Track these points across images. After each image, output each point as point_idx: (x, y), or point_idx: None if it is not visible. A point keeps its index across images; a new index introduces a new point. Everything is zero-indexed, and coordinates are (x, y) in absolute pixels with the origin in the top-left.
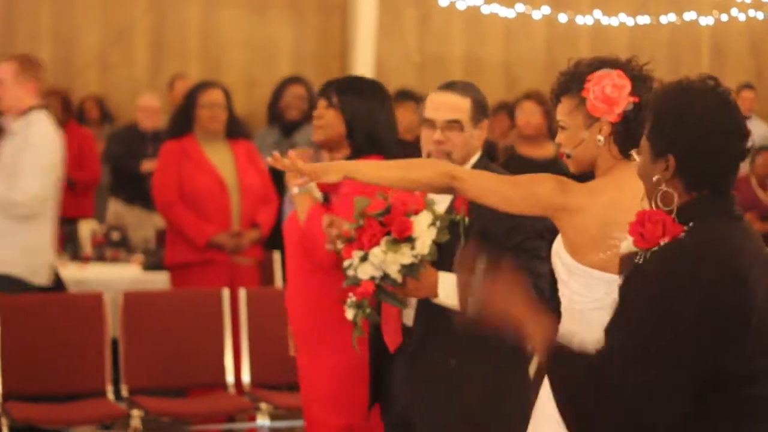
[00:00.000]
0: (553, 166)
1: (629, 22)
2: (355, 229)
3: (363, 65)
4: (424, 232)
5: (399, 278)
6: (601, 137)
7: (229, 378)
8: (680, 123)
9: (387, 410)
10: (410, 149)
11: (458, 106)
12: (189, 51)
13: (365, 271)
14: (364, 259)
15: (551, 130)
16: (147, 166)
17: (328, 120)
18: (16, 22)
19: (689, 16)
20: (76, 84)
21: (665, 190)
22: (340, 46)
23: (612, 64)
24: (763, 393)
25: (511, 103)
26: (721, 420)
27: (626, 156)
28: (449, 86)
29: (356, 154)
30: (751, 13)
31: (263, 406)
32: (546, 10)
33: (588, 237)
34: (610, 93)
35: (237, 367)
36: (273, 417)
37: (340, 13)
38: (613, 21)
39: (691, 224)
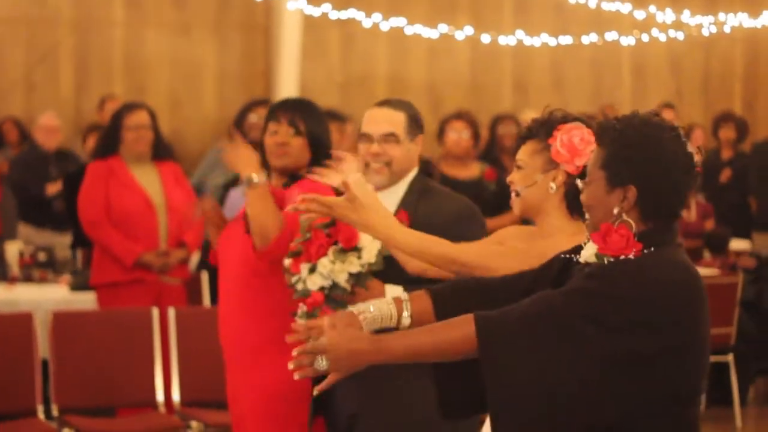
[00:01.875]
0: (477, 186)
1: (551, 42)
2: (302, 243)
3: (287, 85)
4: (371, 242)
5: (348, 287)
6: (553, 185)
7: (159, 396)
8: (644, 155)
9: (331, 423)
10: None
11: (393, 119)
12: (113, 71)
13: (314, 282)
14: (312, 270)
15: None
16: (52, 188)
17: (297, 147)
18: None
19: (611, 36)
20: (0, 105)
21: (625, 220)
22: (264, 66)
23: (585, 122)
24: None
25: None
26: None
27: (573, 214)
28: (384, 102)
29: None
30: (671, 33)
31: (194, 424)
32: (469, 30)
33: None
34: (578, 144)
35: (167, 385)
36: None
37: (264, 33)
38: (536, 41)
39: (648, 250)
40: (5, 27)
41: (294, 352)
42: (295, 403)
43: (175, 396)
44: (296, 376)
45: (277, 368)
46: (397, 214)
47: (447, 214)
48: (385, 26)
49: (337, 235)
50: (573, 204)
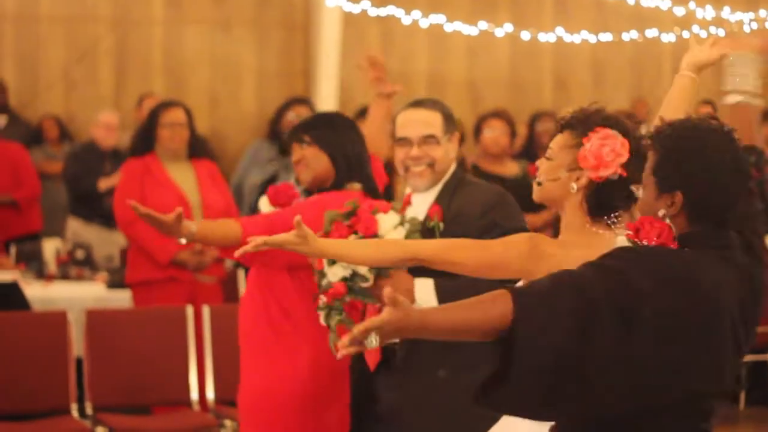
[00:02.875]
0: (522, 182)
1: (591, 39)
2: (323, 234)
3: (326, 83)
4: (391, 230)
5: (369, 276)
6: (575, 185)
7: (194, 395)
8: (692, 161)
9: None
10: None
11: (430, 120)
12: (153, 69)
13: (335, 273)
14: (333, 262)
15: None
16: (105, 183)
17: (309, 158)
18: None
19: (651, 33)
20: (40, 103)
21: (668, 224)
22: (303, 64)
23: (625, 131)
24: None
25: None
26: None
27: (593, 218)
28: (418, 103)
29: (339, 181)
30: (712, 29)
31: (227, 423)
32: (509, 27)
33: None
34: (606, 155)
35: (201, 384)
36: None
37: (303, 31)
38: (576, 38)
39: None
40: (45, 25)
41: (352, 334)
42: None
43: (210, 394)
44: (339, 355)
45: (274, 369)
46: (430, 209)
47: (478, 203)
48: (424, 23)
49: (357, 224)
50: (594, 209)
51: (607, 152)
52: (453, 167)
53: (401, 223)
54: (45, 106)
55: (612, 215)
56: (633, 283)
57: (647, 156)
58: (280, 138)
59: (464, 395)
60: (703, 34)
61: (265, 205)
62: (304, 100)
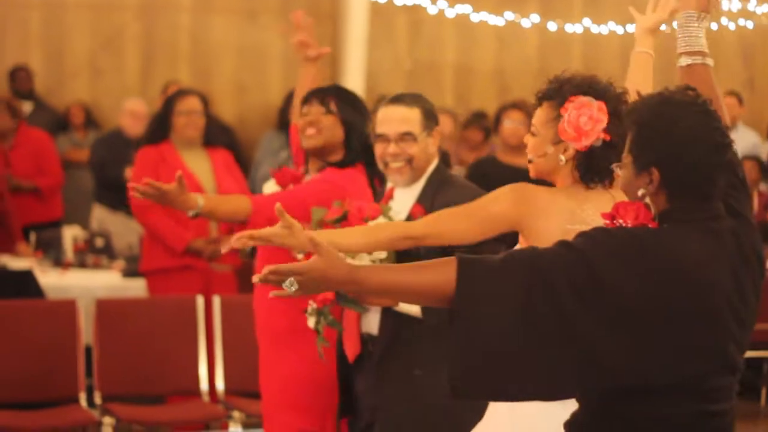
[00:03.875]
0: None
1: (619, 30)
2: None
3: (354, 72)
4: None
5: None
6: (563, 157)
7: (203, 385)
8: (664, 137)
9: (354, 421)
10: None
11: (408, 117)
12: (179, 57)
13: None
14: None
15: None
16: (130, 173)
17: (327, 125)
18: (5, 29)
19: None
20: (66, 90)
21: (646, 203)
22: (330, 53)
23: (600, 92)
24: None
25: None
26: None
27: (587, 183)
28: (397, 99)
29: (350, 160)
30: (741, 21)
31: (236, 414)
32: (535, 18)
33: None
34: (584, 125)
35: (211, 374)
36: (245, 425)
37: (331, 19)
38: (603, 29)
39: (664, 226)
40: (71, 12)
41: (265, 270)
42: (317, 390)
43: (219, 385)
44: (272, 294)
45: (298, 356)
46: (412, 208)
47: (461, 204)
48: (450, 13)
49: None
50: (586, 174)
51: (585, 121)
52: (435, 163)
53: None
54: (71, 93)
55: (606, 176)
56: (595, 263)
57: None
58: (288, 127)
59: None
60: (732, 26)
61: (272, 187)
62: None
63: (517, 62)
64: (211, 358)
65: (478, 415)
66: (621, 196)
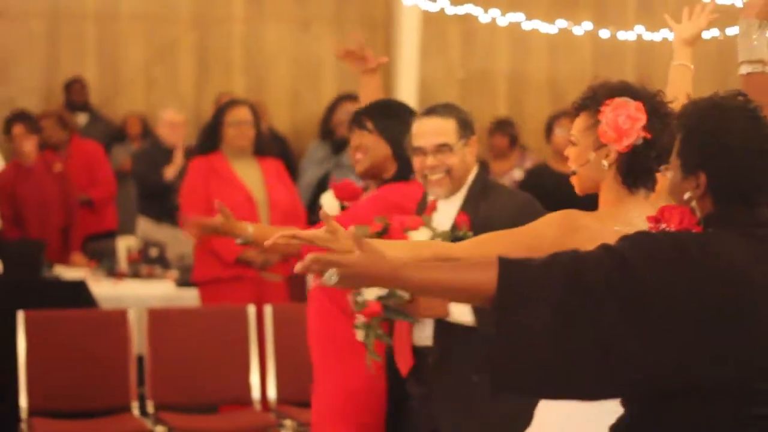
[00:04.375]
0: None
1: (672, 37)
2: None
3: (407, 81)
4: None
5: (405, 295)
6: (605, 162)
7: (255, 395)
8: (712, 141)
9: None
10: None
11: (443, 129)
12: (233, 67)
13: (370, 292)
14: None
15: None
16: (171, 172)
17: (369, 145)
18: (60, 41)
19: (732, 30)
20: (121, 101)
21: (692, 207)
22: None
23: (635, 93)
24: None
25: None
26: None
27: (630, 188)
28: (431, 111)
29: (402, 174)
30: None
31: (287, 423)
32: (588, 25)
33: None
34: (622, 124)
35: (263, 383)
36: None
37: (384, 29)
38: (656, 36)
39: (708, 230)
40: (126, 23)
41: (308, 257)
42: (366, 404)
43: (271, 394)
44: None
45: (349, 369)
46: (456, 217)
47: (507, 212)
48: (502, 21)
49: None
50: (629, 178)
51: (624, 120)
52: (475, 171)
53: (433, 239)
54: (125, 104)
55: (649, 180)
56: (636, 266)
57: (668, 113)
58: (331, 137)
59: (499, 400)
60: None
61: (329, 199)
62: (353, 96)
63: (571, 70)
64: (262, 368)
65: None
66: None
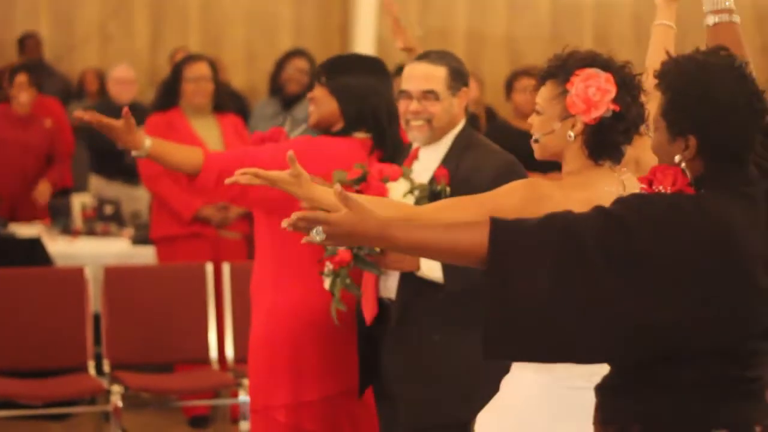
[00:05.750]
0: None
1: None
2: None
3: (364, 39)
4: (401, 198)
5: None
6: (572, 133)
7: (213, 354)
8: (702, 104)
9: (380, 390)
10: None
11: (433, 75)
12: (189, 24)
13: None
14: None
15: None
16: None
17: (320, 99)
18: None
19: None
20: (76, 57)
21: (683, 170)
22: (340, 20)
23: (605, 64)
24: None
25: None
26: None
27: (595, 160)
28: (424, 56)
29: (349, 129)
30: None
31: (245, 381)
32: None
33: None
34: (592, 95)
35: (220, 342)
36: None
37: None
38: None
39: (701, 191)
40: None
41: (294, 215)
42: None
43: (229, 353)
44: (287, 225)
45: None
46: (436, 170)
47: (487, 171)
48: None
49: (367, 191)
50: (596, 150)
51: (594, 92)
52: (461, 125)
53: (411, 191)
54: (80, 60)
55: (615, 153)
56: (632, 228)
57: (637, 86)
58: (280, 93)
59: (461, 359)
60: None
61: None
62: (302, 52)
63: (529, 29)
64: (220, 326)
65: (494, 389)
66: (628, 178)
